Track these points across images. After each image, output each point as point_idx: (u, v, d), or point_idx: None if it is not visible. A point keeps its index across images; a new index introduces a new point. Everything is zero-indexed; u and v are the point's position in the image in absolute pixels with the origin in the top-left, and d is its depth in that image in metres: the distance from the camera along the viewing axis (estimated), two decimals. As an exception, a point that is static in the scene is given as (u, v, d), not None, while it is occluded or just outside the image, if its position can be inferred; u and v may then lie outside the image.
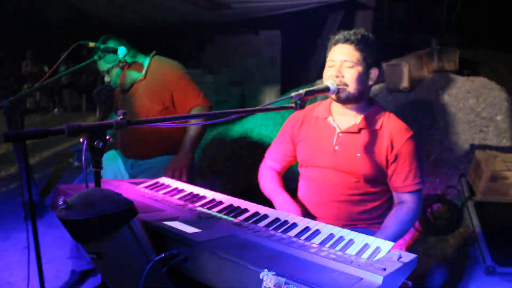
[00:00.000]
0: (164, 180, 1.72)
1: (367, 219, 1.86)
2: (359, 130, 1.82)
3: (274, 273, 0.93)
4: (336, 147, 1.84)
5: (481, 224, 3.45)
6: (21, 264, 3.17)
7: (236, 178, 4.45)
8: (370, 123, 1.82)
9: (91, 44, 2.10)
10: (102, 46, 2.14)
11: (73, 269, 2.87)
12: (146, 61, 2.56)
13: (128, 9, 6.80)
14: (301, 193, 1.98)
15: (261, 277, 0.94)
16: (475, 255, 3.42)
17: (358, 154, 1.80)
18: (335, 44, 1.79)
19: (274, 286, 0.92)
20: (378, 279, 0.96)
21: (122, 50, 2.23)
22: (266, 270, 0.94)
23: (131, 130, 2.43)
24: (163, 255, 1.06)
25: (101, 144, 1.08)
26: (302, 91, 1.49)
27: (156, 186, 1.64)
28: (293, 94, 1.47)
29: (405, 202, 1.81)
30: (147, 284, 1.07)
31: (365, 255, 1.15)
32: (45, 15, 8.87)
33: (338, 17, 6.46)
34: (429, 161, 4.02)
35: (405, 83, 4.45)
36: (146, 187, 1.63)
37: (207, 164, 4.79)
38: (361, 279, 0.97)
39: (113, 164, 2.61)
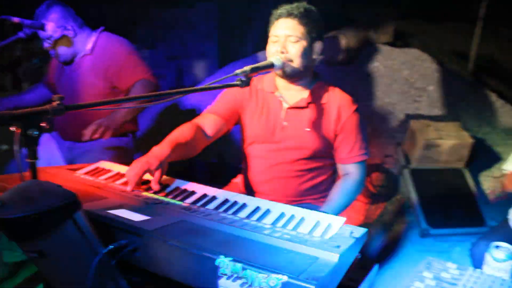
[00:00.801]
0: (104, 164, 1.63)
1: (314, 194, 1.88)
2: (307, 105, 1.82)
3: (231, 259, 0.90)
4: (285, 123, 1.83)
5: (416, 190, 3.63)
6: None
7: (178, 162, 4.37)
8: (316, 97, 1.83)
9: (15, 20, 1.93)
10: (27, 22, 1.97)
11: (5, 261, 2.71)
12: (93, 35, 2.45)
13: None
14: (246, 171, 1.96)
15: (217, 264, 0.91)
16: (412, 219, 3.61)
17: (307, 129, 1.80)
18: (277, 18, 1.75)
19: (231, 272, 0.90)
20: (334, 257, 0.97)
21: (52, 27, 2.07)
22: (222, 256, 0.91)
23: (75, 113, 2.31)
24: (111, 247, 1.00)
25: (36, 132, 0.99)
26: (247, 68, 1.45)
27: (97, 172, 1.55)
28: (238, 71, 1.43)
29: (350, 174, 1.85)
30: (97, 279, 1.01)
31: (318, 233, 1.15)
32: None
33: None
34: (367, 132, 4.15)
35: (342, 56, 4.52)
36: (86, 173, 1.53)
37: (146, 143, 4.65)
38: (318, 258, 0.97)
39: (46, 149, 2.46)
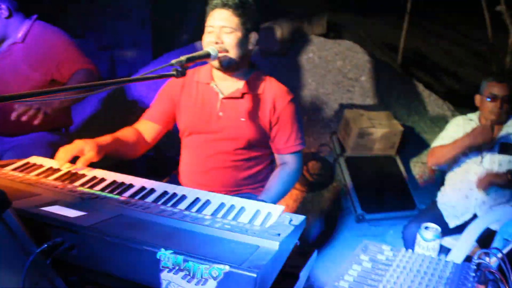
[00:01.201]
0: (35, 159, 1.55)
1: (252, 184, 1.91)
2: (242, 95, 1.83)
3: (172, 251, 0.90)
4: (220, 113, 1.83)
5: (351, 177, 3.77)
6: None
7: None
8: (252, 87, 1.84)
9: None
10: None
11: None
12: (25, 23, 2.33)
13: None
14: (184, 162, 1.95)
15: (158, 257, 0.90)
16: (347, 206, 3.75)
17: (243, 119, 1.81)
18: (213, 9, 1.75)
19: (173, 265, 0.89)
20: (275, 245, 0.99)
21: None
22: (162, 249, 0.90)
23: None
24: (45, 245, 0.96)
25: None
26: (183, 57, 1.44)
27: (27, 167, 1.47)
28: (173, 61, 1.41)
29: (287, 163, 1.89)
30: (31, 280, 0.96)
31: (258, 222, 1.17)
32: None
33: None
34: (302, 121, 4.24)
35: (278, 46, 4.58)
36: (15, 169, 1.45)
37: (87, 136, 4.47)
38: (259, 247, 0.99)
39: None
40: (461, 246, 2.20)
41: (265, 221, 1.17)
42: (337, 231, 3.54)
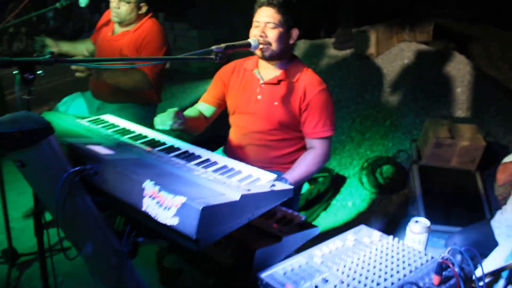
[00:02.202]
0: (106, 116, 1.97)
1: (282, 163, 2.13)
2: (279, 82, 2.08)
3: (154, 183, 1.20)
4: (259, 97, 2.10)
5: (422, 186, 3.74)
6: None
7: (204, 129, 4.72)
8: (288, 76, 2.07)
9: (53, -8, 2.30)
10: (64, -4, 2.34)
11: None
12: (142, 18, 2.77)
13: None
14: (229, 138, 2.26)
15: (143, 186, 1.21)
16: (413, 213, 3.74)
17: (276, 103, 2.06)
18: (259, 6, 2.02)
19: (151, 192, 1.19)
20: (236, 195, 1.23)
21: (83, 1, 2.43)
22: (148, 180, 1.21)
23: (100, 70, 2.66)
24: (77, 168, 1.33)
25: (31, 76, 1.33)
26: (223, 44, 1.72)
27: (96, 121, 1.89)
28: (214, 47, 1.71)
29: (314, 148, 2.09)
30: (65, 192, 1.34)
31: (243, 182, 1.42)
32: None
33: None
34: (384, 126, 4.29)
35: (371, 50, 4.66)
36: (88, 121, 1.88)
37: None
38: (224, 194, 1.24)
39: (75, 105, 2.85)
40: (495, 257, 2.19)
41: (249, 182, 1.42)
42: (395, 235, 3.57)
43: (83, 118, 1.93)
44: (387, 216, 3.77)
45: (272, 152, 2.13)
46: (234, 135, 2.23)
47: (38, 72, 1.36)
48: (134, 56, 2.69)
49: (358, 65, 4.81)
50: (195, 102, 2.36)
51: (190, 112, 2.22)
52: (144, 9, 2.76)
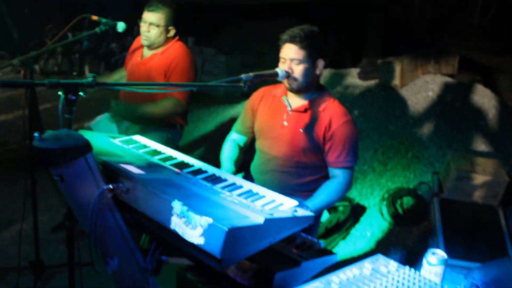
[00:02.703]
0: (137, 137, 2.07)
1: (303, 190, 2.18)
2: (305, 110, 2.14)
3: (182, 203, 1.27)
4: (285, 123, 2.17)
5: (442, 219, 3.72)
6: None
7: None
8: (315, 105, 2.14)
9: (94, 18, 2.45)
10: (103, 21, 2.48)
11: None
12: (171, 41, 2.90)
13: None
14: (253, 162, 2.32)
15: (172, 205, 1.28)
16: (433, 246, 3.71)
17: (301, 130, 2.12)
18: (283, 43, 2.10)
19: (179, 212, 1.26)
20: (260, 219, 1.29)
21: (121, 26, 2.57)
22: (176, 200, 1.28)
23: (130, 95, 2.79)
24: (110, 185, 1.41)
25: (73, 97, 1.43)
26: (251, 74, 1.81)
27: (128, 141, 1.99)
28: (243, 75, 1.79)
29: (336, 177, 2.13)
30: (98, 207, 1.42)
31: (267, 206, 1.48)
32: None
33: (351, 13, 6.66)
34: (406, 157, 4.30)
35: (396, 81, 4.71)
36: (120, 140, 1.97)
37: (204, 138, 5.16)
38: (248, 217, 1.30)
39: (106, 126, 2.97)
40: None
41: (272, 207, 1.48)
42: (415, 267, 3.54)
43: (116, 137, 2.03)
44: (406, 248, 3.75)
45: (294, 179, 2.18)
46: (258, 160, 2.30)
47: (80, 94, 1.46)
48: (162, 78, 2.80)
49: (382, 95, 4.86)
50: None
51: (232, 154, 2.32)
52: (172, 32, 2.89)
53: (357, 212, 3.94)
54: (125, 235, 1.53)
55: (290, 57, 2.07)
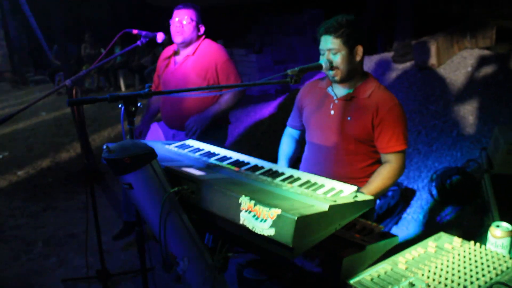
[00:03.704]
0: (190, 142, 2.14)
1: (357, 177, 2.20)
2: (351, 98, 2.16)
3: (249, 198, 1.32)
4: (332, 112, 2.20)
5: (495, 195, 3.64)
6: (82, 220, 3.78)
7: (271, 149, 4.86)
8: (360, 92, 2.16)
9: (134, 32, 2.55)
10: (143, 33, 2.58)
11: (125, 220, 3.41)
12: (198, 41, 3.04)
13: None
14: (304, 154, 2.36)
15: (239, 201, 1.33)
16: (488, 223, 3.64)
17: (349, 118, 2.15)
18: (320, 36, 2.14)
19: (247, 206, 1.31)
20: (325, 206, 1.33)
21: (160, 36, 2.66)
22: (243, 196, 1.33)
23: (173, 103, 2.90)
24: (176, 188, 1.48)
25: (133, 108, 1.51)
26: (297, 68, 1.85)
27: (183, 146, 2.06)
28: (289, 71, 1.83)
29: (389, 162, 2.14)
30: (166, 211, 1.49)
31: (328, 194, 1.51)
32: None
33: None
34: (451, 136, 4.22)
35: (433, 60, 4.63)
36: (175, 146, 2.05)
37: (245, 137, 5.23)
38: (313, 205, 1.34)
39: (155, 136, 3.07)
40: None
41: (333, 194, 1.51)
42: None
43: (170, 144, 2.11)
44: (461, 228, 3.69)
45: (347, 167, 2.20)
46: (307, 151, 2.34)
47: (138, 104, 1.54)
48: (201, 79, 2.93)
49: (419, 77, 4.79)
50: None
51: (286, 150, 2.46)
52: (202, 30, 3.01)
53: (406, 196, 3.91)
54: (193, 235, 1.59)
55: (328, 47, 2.10)
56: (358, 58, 2.14)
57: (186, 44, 2.98)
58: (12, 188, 4.65)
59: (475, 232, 3.63)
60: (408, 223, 3.71)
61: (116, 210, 4.00)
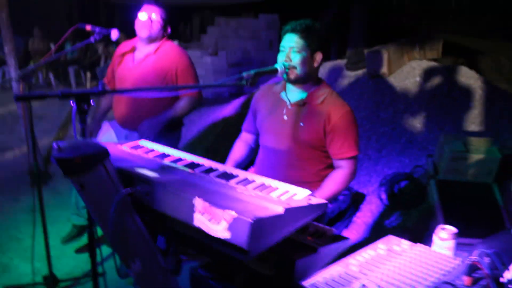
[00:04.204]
0: (143, 142, 2.10)
1: (309, 182, 2.23)
2: (304, 104, 2.20)
3: (203, 199, 1.31)
4: (285, 117, 2.22)
5: (441, 200, 3.80)
6: (27, 223, 3.61)
7: (224, 152, 4.85)
8: (313, 98, 2.20)
9: (88, 28, 2.47)
10: (97, 29, 2.51)
11: (74, 223, 3.29)
12: (162, 38, 2.99)
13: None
14: (257, 158, 2.37)
15: (193, 203, 1.32)
16: (433, 227, 3.79)
17: (301, 124, 2.18)
18: (284, 33, 2.16)
19: (201, 208, 1.30)
20: (279, 209, 1.34)
21: (114, 33, 2.59)
22: (197, 197, 1.32)
23: (127, 102, 2.83)
24: (129, 189, 1.45)
25: (86, 106, 1.46)
26: (252, 71, 1.85)
27: (136, 146, 2.02)
28: (244, 74, 1.84)
29: (341, 167, 2.19)
30: (118, 212, 1.46)
31: (283, 197, 1.52)
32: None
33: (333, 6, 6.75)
34: (400, 143, 4.38)
35: (384, 69, 4.79)
36: (128, 146, 2.00)
37: (198, 140, 5.19)
38: (268, 208, 1.35)
39: (107, 135, 2.99)
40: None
41: (287, 197, 1.53)
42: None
43: (122, 144, 2.05)
44: (407, 231, 3.83)
45: (300, 171, 2.23)
46: (260, 155, 2.35)
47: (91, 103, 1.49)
48: (160, 80, 2.87)
49: (371, 84, 4.94)
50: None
51: (238, 153, 2.48)
52: (168, 31, 2.98)
53: (357, 200, 4.00)
54: (146, 237, 1.56)
55: (290, 45, 2.13)
56: (315, 64, 2.18)
57: (150, 40, 2.92)
58: (-49, 188, 4.39)
59: (421, 235, 3.78)
60: (358, 227, 3.81)
61: (65, 212, 3.85)
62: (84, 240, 3.37)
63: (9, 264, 3.17)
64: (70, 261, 3.19)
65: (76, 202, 3.24)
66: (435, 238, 1.71)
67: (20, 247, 3.37)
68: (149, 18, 2.86)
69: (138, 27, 2.89)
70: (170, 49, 2.96)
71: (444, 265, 1.51)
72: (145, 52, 2.95)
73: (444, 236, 1.68)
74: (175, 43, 3.06)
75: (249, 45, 8.30)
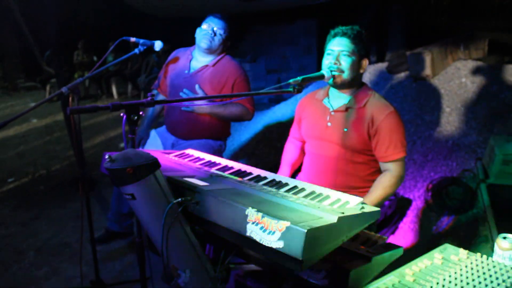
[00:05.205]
0: (189, 151, 2.11)
1: (358, 187, 2.18)
2: (347, 109, 2.15)
3: (256, 210, 1.29)
4: (329, 124, 2.19)
5: (492, 205, 3.65)
6: (75, 229, 3.70)
7: (266, 158, 4.84)
8: (356, 102, 2.16)
9: (132, 40, 2.51)
10: (141, 41, 2.55)
11: (106, 227, 3.35)
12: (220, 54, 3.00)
13: (171, 1, 7.26)
14: (304, 164, 2.34)
15: (246, 213, 1.30)
16: (484, 234, 3.64)
17: (345, 129, 2.14)
18: (334, 36, 2.14)
19: (254, 218, 1.28)
20: (334, 218, 1.30)
21: (158, 44, 2.63)
22: (250, 207, 1.30)
23: (179, 110, 2.85)
24: (179, 199, 1.45)
25: (135, 117, 1.47)
26: (299, 78, 1.83)
27: (182, 155, 2.03)
28: (291, 80, 1.81)
29: (388, 170, 2.13)
30: (168, 222, 1.46)
31: (335, 205, 1.48)
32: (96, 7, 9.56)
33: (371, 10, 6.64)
34: (447, 146, 4.23)
35: (427, 71, 4.65)
36: (175, 155, 2.02)
37: (240, 147, 5.20)
38: (321, 217, 1.31)
39: (154, 144, 3.03)
40: None
41: (340, 205, 1.49)
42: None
43: (169, 154, 2.07)
44: (457, 238, 3.69)
45: (347, 177, 2.18)
46: (306, 162, 2.32)
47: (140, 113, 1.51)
48: (215, 92, 2.89)
49: (414, 87, 4.81)
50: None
51: (290, 154, 2.49)
52: (228, 44, 2.98)
53: (402, 205, 3.90)
54: (196, 247, 1.56)
55: (340, 49, 2.11)
56: (362, 70, 2.15)
57: (210, 52, 2.94)
58: (2, 196, 4.56)
59: (471, 242, 3.63)
60: (404, 233, 3.70)
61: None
62: (112, 245, 3.43)
63: (58, 268, 3.26)
64: (116, 266, 3.24)
65: (117, 209, 3.28)
66: (496, 247, 1.62)
67: (68, 252, 3.46)
68: (212, 30, 2.88)
69: (199, 36, 2.91)
70: (228, 64, 2.96)
71: (507, 277, 1.43)
72: (202, 63, 2.96)
73: (506, 246, 1.59)
74: (231, 57, 3.05)
75: (287, 50, 8.29)
